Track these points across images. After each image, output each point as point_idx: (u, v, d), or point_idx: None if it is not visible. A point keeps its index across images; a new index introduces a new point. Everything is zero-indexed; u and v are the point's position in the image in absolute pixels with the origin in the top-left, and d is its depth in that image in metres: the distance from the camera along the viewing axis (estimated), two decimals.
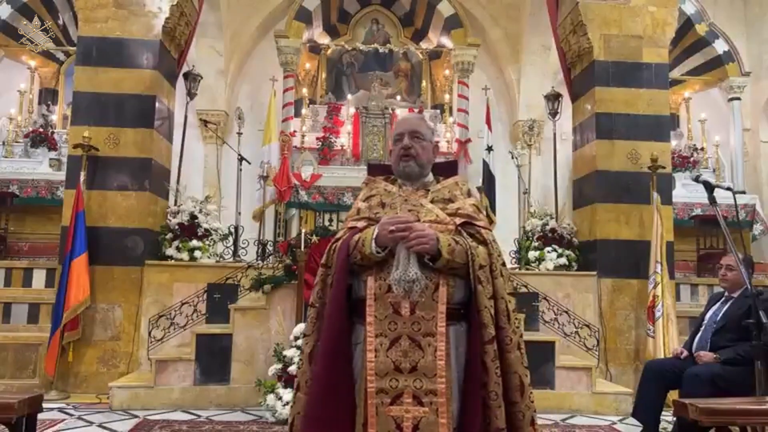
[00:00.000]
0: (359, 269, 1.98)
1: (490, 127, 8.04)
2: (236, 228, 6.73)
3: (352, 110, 8.46)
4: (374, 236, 1.92)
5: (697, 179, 3.33)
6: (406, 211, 2.02)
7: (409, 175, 2.14)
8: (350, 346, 1.95)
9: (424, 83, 9.51)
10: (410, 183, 2.15)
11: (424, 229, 1.89)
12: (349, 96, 8.97)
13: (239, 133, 7.87)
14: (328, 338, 1.92)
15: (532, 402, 1.96)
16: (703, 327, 4.08)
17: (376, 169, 2.32)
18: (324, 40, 9.37)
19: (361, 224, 2.05)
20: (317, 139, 8.35)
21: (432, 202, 2.07)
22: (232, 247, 6.59)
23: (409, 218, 1.93)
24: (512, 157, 7.74)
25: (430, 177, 2.20)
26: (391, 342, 1.88)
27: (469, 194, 2.16)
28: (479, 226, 2.04)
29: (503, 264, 2.03)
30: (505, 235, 7.51)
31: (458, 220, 2.01)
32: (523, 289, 5.69)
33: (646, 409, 3.97)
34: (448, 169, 2.28)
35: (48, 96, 8.41)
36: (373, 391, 1.86)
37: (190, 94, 7.47)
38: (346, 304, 1.94)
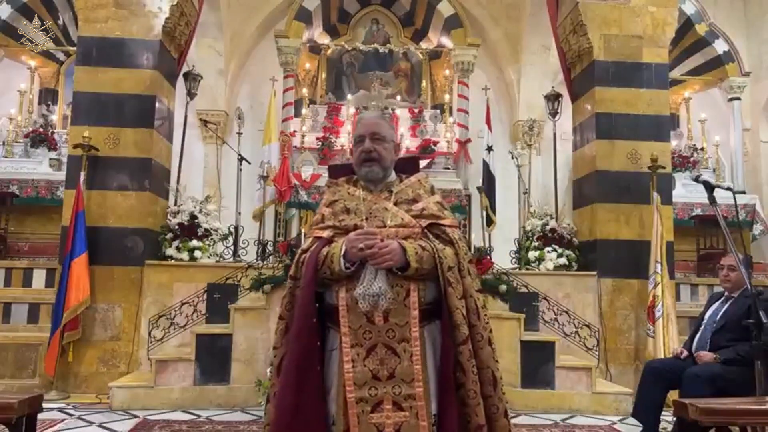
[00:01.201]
0: (330, 281, 1.97)
1: (490, 127, 8.02)
2: (236, 228, 6.72)
3: (352, 110, 8.45)
4: (342, 254, 1.91)
5: (697, 179, 3.31)
6: (372, 218, 2.01)
7: (372, 180, 2.13)
8: (322, 354, 1.95)
9: (424, 83, 9.51)
10: (373, 185, 2.14)
11: (388, 245, 1.88)
12: (349, 96, 8.97)
13: (239, 133, 7.86)
14: (298, 352, 1.92)
15: (504, 394, 2.01)
16: (703, 327, 4.08)
17: (337, 171, 2.29)
18: (324, 40, 9.38)
19: (326, 233, 2.03)
20: (317, 139, 8.35)
21: (396, 204, 2.06)
22: (232, 247, 6.59)
23: (375, 233, 1.92)
24: (512, 157, 7.73)
25: (393, 176, 2.18)
26: (368, 351, 1.89)
27: (432, 191, 2.16)
28: (445, 225, 2.05)
29: (470, 261, 2.05)
30: (505, 235, 7.53)
31: (424, 222, 2.02)
32: (523, 289, 5.69)
33: (646, 409, 3.97)
34: (409, 165, 2.26)
35: (48, 96, 8.42)
36: (353, 400, 1.87)
37: (190, 94, 7.46)
38: (314, 319, 1.93)
